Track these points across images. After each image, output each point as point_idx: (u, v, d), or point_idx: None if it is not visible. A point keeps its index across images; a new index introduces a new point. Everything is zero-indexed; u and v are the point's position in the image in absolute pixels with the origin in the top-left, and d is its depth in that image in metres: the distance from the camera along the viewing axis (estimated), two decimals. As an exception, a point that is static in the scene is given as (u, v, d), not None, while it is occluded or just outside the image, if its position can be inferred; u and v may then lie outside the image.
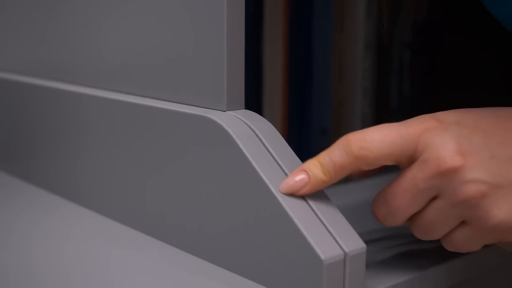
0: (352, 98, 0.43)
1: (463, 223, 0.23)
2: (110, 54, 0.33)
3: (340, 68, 0.42)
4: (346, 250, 0.22)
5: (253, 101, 0.37)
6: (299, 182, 0.23)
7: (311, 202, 0.24)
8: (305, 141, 0.41)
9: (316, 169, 0.23)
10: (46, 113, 0.38)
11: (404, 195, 0.23)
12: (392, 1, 0.43)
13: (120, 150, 0.32)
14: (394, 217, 0.24)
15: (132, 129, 0.31)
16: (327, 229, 0.23)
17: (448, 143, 0.22)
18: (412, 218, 0.24)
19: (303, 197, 0.24)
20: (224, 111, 0.26)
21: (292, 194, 0.23)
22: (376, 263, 0.26)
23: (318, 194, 0.24)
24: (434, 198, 0.23)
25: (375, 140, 0.23)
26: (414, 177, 0.23)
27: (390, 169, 0.28)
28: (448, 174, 0.22)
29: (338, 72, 0.42)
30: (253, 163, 0.23)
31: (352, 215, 0.25)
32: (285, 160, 0.25)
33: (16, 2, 0.42)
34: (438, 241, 0.24)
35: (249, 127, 0.25)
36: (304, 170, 0.23)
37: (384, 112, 0.45)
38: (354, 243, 0.23)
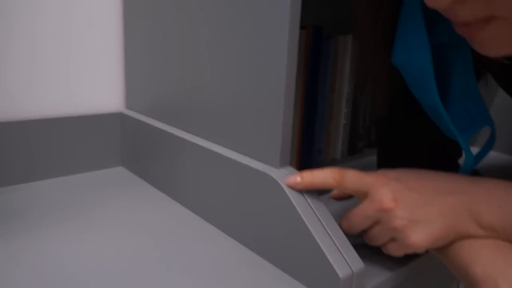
0: (336, 130, 0.72)
1: (393, 239, 0.37)
2: (198, 108, 0.51)
3: (331, 113, 0.70)
4: (354, 270, 0.35)
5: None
6: (295, 180, 0.38)
7: (327, 228, 0.36)
8: (308, 156, 0.69)
9: (308, 176, 0.38)
10: (159, 142, 0.61)
11: (358, 217, 0.38)
12: (361, 83, 0.71)
13: (198, 175, 0.51)
14: (352, 230, 0.39)
15: (206, 165, 0.48)
16: (339, 251, 0.35)
17: (388, 192, 0.36)
18: (364, 231, 0.39)
19: (321, 223, 0.36)
20: (278, 169, 0.40)
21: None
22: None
23: (330, 220, 0.37)
24: (377, 222, 0.37)
25: (351, 179, 0.38)
26: (365, 208, 0.37)
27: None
28: (385, 211, 0.36)
29: (330, 115, 0.70)
30: (300, 212, 0.37)
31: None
32: (319, 209, 0.38)
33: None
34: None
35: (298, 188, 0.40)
36: (300, 175, 0.38)
37: (355, 139, 0.75)
38: (358, 264, 0.36)
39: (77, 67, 0.62)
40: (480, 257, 0.34)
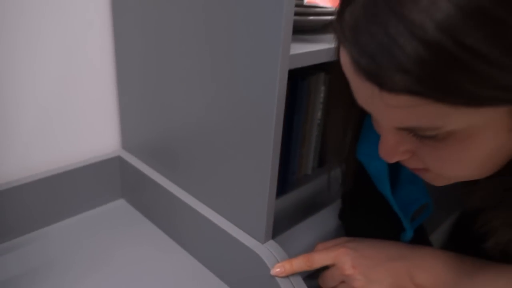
0: (308, 152, 0.82)
1: None
2: (193, 166, 0.61)
3: (304, 139, 0.80)
4: None
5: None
6: (280, 270, 0.50)
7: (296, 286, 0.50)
8: (285, 179, 0.79)
9: (288, 265, 0.50)
10: (156, 193, 0.70)
11: (329, 279, 0.51)
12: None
13: (192, 228, 0.61)
14: (325, 286, 0.52)
15: (198, 226, 0.59)
16: None
17: (348, 261, 0.49)
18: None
19: (292, 284, 0.50)
20: (262, 244, 0.52)
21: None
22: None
23: (300, 283, 0.50)
24: (342, 282, 0.50)
25: (318, 260, 0.50)
26: (333, 273, 0.50)
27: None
28: (347, 276, 0.48)
29: (303, 141, 0.80)
30: (279, 283, 0.50)
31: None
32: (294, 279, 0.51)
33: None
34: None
35: (275, 257, 0.52)
36: (283, 265, 0.50)
37: (323, 153, 0.85)
38: None
39: (74, 114, 0.67)
40: None
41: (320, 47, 0.48)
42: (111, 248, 0.63)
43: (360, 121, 0.51)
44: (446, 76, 0.27)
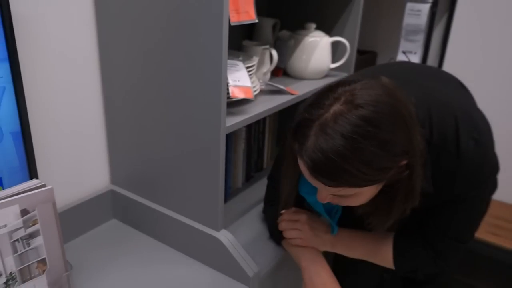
0: (237, 171, 1.19)
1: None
2: (167, 186, 1.00)
3: (235, 162, 1.17)
4: (255, 271, 0.86)
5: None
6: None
7: (244, 257, 0.96)
8: (225, 192, 1.15)
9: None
10: (143, 212, 1.03)
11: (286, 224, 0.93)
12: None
13: (171, 232, 1.01)
14: None
15: (175, 229, 0.96)
16: (248, 264, 0.86)
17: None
18: None
19: (240, 255, 0.91)
20: (218, 231, 0.87)
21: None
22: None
23: (245, 254, 0.97)
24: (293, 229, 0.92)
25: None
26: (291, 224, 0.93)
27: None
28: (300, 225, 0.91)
29: (234, 164, 1.16)
30: (236, 258, 0.86)
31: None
32: (240, 250, 0.90)
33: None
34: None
35: (230, 241, 0.88)
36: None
37: (249, 171, 1.23)
38: (256, 268, 0.87)
39: (68, 155, 0.97)
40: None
41: (240, 119, 0.86)
42: (116, 249, 0.95)
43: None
44: (360, 178, 0.63)
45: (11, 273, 0.64)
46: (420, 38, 1.44)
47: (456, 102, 0.80)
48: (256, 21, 0.81)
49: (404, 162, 0.67)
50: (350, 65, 1.27)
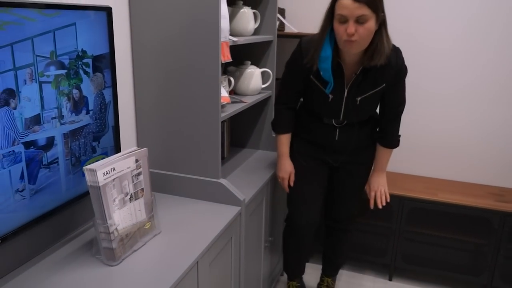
0: (225, 146, 1.86)
1: None
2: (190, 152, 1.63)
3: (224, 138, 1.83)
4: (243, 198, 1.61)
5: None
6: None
7: (237, 190, 1.65)
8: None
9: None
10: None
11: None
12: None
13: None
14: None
15: (185, 185, 1.64)
16: (238, 194, 1.63)
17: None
18: None
19: (235, 190, 1.63)
20: (219, 179, 1.54)
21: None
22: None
23: (237, 191, 1.64)
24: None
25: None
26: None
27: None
28: None
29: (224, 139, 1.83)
30: (232, 191, 1.53)
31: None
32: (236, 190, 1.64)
33: None
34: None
35: (227, 183, 1.54)
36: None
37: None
38: (243, 196, 1.62)
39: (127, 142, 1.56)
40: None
41: (226, 113, 1.55)
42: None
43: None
44: (373, 2, 1.33)
45: (131, 193, 1.23)
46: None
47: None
48: (231, 60, 1.53)
49: (383, 15, 1.38)
50: (272, 85, 2.04)
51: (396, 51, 1.51)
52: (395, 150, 2.49)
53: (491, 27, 2.17)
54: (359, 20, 1.34)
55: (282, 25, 2.34)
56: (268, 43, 2.02)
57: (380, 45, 1.42)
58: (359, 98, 1.57)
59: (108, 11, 1.24)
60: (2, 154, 0.97)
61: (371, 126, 1.71)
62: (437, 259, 2.23)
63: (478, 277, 2.17)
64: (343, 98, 1.58)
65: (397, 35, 2.31)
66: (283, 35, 2.32)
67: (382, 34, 1.42)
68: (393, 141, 1.69)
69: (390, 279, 2.35)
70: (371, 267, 2.46)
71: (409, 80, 2.34)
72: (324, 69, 1.50)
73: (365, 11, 1.32)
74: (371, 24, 1.36)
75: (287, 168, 1.76)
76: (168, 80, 1.52)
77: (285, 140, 1.75)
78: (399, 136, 1.70)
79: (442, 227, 2.19)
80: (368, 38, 1.40)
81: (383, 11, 1.38)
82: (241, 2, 1.83)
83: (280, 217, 2.11)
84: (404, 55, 1.54)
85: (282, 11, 2.39)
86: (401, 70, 1.53)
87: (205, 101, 1.49)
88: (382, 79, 1.53)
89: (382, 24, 1.41)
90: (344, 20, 1.36)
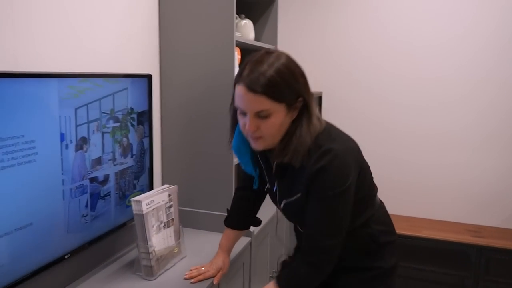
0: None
1: None
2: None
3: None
4: None
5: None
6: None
7: None
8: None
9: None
10: None
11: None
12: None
13: None
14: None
15: (203, 220, 1.92)
16: None
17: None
18: None
19: None
20: None
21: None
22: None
23: None
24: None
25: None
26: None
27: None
28: None
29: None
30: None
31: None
32: None
33: None
34: None
35: None
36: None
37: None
38: None
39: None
40: None
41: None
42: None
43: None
44: (275, 90, 0.98)
45: (164, 222, 1.51)
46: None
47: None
48: (242, 115, 1.87)
49: (300, 104, 1.04)
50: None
51: (325, 153, 1.03)
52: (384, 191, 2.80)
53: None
54: (260, 114, 1.02)
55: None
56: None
57: (293, 139, 1.05)
58: (284, 202, 1.18)
59: (149, 77, 1.60)
60: (76, 187, 1.27)
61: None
62: (424, 291, 2.47)
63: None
64: (276, 195, 1.22)
65: (398, 63, 2.71)
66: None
67: (301, 125, 1.05)
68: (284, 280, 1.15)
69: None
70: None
71: (391, 121, 2.71)
72: (243, 163, 1.25)
73: (265, 104, 1.00)
74: (278, 118, 1.02)
75: (218, 263, 1.43)
76: (188, 131, 1.85)
77: (228, 233, 1.45)
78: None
79: (427, 261, 2.46)
80: (278, 133, 1.06)
81: (300, 96, 1.05)
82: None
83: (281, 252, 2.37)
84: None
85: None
86: (315, 178, 1.04)
87: (220, 147, 1.81)
88: (298, 185, 1.10)
89: (303, 111, 1.06)
90: (244, 112, 1.05)
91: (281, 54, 1.05)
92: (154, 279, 1.41)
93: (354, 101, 2.79)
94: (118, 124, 1.44)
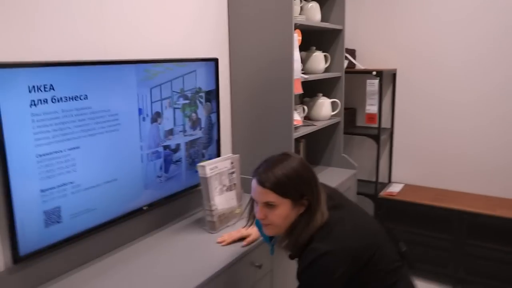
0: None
1: None
2: None
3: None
4: None
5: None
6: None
7: None
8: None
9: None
10: None
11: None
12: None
13: None
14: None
15: None
16: None
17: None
18: None
19: None
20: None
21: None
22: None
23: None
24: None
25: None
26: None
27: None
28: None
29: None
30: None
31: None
32: None
33: None
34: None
35: None
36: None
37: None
38: None
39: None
40: None
41: (297, 134, 2.03)
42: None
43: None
44: (281, 187, 1.15)
45: (227, 186, 1.75)
46: (376, 98, 2.68)
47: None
48: (302, 92, 2.02)
49: (305, 201, 1.17)
50: (341, 113, 2.49)
51: (310, 251, 1.16)
52: (448, 166, 2.74)
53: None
54: (268, 205, 1.19)
55: (351, 63, 2.80)
56: (337, 79, 2.49)
57: (293, 234, 1.21)
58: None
59: (216, 61, 1.83)
60: (152, 152, 1.56)
61: None
62: (497, 273, 2.40)
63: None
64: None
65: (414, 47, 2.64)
66: (351, 72, 2.77)
67: (301, 221, 1.19)
68: None
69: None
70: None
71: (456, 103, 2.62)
72: (262, 235, 1.42)
73: (271, 197, 1.17)
74: (283, 210, 1.18)
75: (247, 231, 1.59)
76: (255, 107, 2.06)
77: None
78: None
79: (501, 241, 2.38)
80: (284, 223, 1.21)
81: (304, 197, 1.19)
82: (314, 48, 2.34)
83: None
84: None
85: (352, 52, 2.85)
86: (301, 272, 1.17)
87: (282, 122, 1.99)
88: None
89: (308, 208, 1.20)
90: (257, 202, 1.23)
91: (295, 159, 1.21)
92: (216, 233, 1.67)
93: (425, 79, 2.75)
94: (187, 101, 1.70)
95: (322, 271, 1.13)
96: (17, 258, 1.19)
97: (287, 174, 1.17)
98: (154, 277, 1.33)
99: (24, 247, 1.20)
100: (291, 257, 1.27)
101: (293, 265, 1.29)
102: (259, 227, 1.35)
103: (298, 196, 1.18)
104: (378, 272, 1.20)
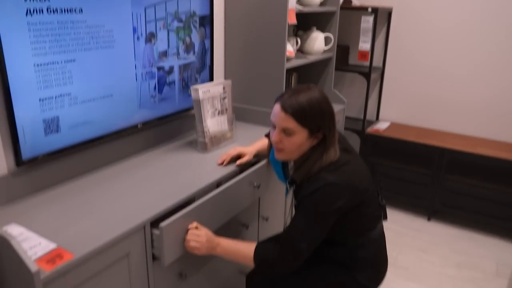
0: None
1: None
2: None
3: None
4: None
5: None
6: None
7: None
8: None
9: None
10: None
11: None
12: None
13: None
14: None
15: None
16: None
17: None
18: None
19: None
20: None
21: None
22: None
23: None
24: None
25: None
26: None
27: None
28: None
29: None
30: None
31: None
32: None
33: None
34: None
35: None
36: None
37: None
38: None
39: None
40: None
41: (289, 65, 2.07)
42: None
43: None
44: (302, 115, 1.19)
45: (219, 109, 1.82)
46: (369, 35, 2.69)
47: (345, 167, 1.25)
48: (296, 23, 2.04)
49: (321, 135, 1.23)
50: (334, 48, 2.51)
51: (318, 180, 1.21)
52: (435, 107, 2.83)
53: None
54: (285, 131, 1.23)
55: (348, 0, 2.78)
56: (332, 13, 2.49)
57: (306, 162, 1.26)
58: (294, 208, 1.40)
59: (210, -15, 1.83)
60: (146, 72, 1.61)
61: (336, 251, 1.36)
62: (471, 206, 2.56)
63: (505, 222, 2.48)
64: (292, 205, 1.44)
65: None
66: (347, 8, 2.75)
67: (316, 152, 1.25)
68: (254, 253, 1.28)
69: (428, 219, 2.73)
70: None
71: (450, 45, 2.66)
72: (276, 171, 1.49)
73: (290, 123, 1.21)
74: (299, 138, 1.23)
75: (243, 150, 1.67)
76: (249, 35, 2.08)
77: (264, 142, 1.71)
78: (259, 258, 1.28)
79: (478, 177, 2.52)
80: (297, 151, 1.26)
81: (321, 129, 1.24)
82: (310, -20, 2.32)
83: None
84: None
85: (349, -13, 2.82)
86: (305, 197, 1.22)
87: (275, 52, 2.02)
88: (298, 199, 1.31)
89: (321, 142, 1.25)
90: (275, 126, 1.27)
91: (319, 92, 1.25)
92: (207, 153, 1.76)
93: (420, 20, 2.75)
94: (181, 24, 1.72)
95: (323, 199, 1.20)
96: (20, 161, 1.27)
97: (310, 104, 1.21)
98: (152, 187, 1.43)
99: (26, 152, 1.28)
100: (292, 182, 1.33)
101: (279, 186, 1.37)
102: (274, 161, 1.43)
103: (316, 127, 1.23)
104: (363, 217, 1.31)
